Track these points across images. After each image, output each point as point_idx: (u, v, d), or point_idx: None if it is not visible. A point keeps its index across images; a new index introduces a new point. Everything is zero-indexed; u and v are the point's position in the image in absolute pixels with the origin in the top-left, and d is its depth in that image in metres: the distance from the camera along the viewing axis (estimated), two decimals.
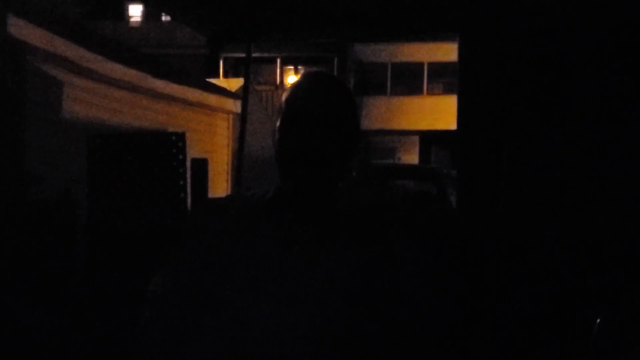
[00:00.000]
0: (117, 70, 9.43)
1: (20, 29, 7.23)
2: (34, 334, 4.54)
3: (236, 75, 21.79)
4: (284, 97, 1.67)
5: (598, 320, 2.36)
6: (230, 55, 23.51)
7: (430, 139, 25.48)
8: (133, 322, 1.66)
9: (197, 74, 18.25)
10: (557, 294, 3.22)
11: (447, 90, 24.26)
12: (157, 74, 10.79)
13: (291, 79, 25.84)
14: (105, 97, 9.30)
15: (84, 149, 5.43)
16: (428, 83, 26.26)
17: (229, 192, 11.63)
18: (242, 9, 3.74)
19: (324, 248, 1.62)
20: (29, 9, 7.63)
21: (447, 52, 21.31)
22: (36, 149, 7.44)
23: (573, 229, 3.35)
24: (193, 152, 6.69)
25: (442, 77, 25.26)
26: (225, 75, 22.62)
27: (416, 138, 26.33)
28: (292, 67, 26.73)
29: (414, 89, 26.23)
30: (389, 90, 26.44)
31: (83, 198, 5.42)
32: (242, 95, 4.59)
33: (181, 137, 5.54)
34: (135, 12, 28.26)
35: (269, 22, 3.93)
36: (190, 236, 1.70)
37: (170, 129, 10.09)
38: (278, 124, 1.64)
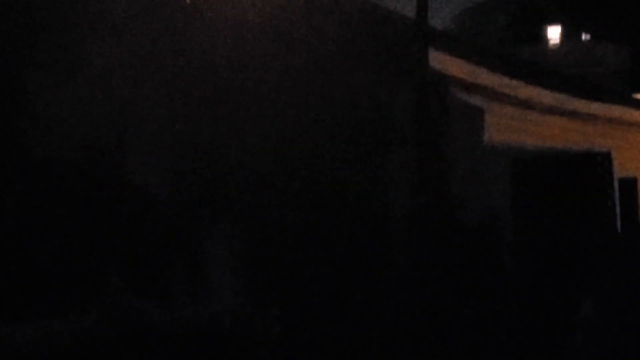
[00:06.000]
0: (537, 93, 9.47)
1: (441, 62, 7.64)
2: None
3: None
4: None
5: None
6: None
7: None
8: (561, 344, 1.68)
9: (621, 90, 17.70)
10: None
11: None
12: (577, 94, 10.61)
13: None
14: (525, 121, 9.38)
15: (507, 173, 5.52)
16: None
17: None
18: None
19: None
20: (447, 41, 8.04)
21: None
22: (460, 175, 7.76)
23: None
24: (621, 171, 6.40)
25: None
26: None
27: None
28: None
29: None
30: None
31: (508, 221, 5.51)
32: None
33: (606, 156, 5.42)
34: (554, 34, 28.16)
35: None
36: (622, 261, 1.62)
37: (594, 150, 9.81)
38: None
